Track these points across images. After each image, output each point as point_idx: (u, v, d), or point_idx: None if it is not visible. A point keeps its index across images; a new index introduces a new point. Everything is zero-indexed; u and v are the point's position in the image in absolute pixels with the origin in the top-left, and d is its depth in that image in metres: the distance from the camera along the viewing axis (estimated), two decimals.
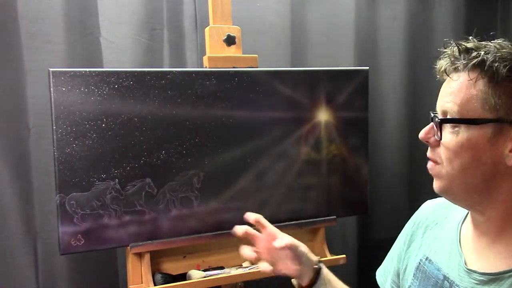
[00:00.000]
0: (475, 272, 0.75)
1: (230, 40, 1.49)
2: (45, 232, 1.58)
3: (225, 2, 1.49)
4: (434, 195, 0.91)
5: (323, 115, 1.55)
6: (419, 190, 2.07)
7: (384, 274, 1.00)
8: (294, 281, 0.96)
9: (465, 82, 0.71)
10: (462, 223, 0.84)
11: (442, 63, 0.75)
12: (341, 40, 1.99)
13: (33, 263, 1.57)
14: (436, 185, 0.77)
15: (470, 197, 0.74)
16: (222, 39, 1.48)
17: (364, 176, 1.63)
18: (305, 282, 0.93)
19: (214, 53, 1.47)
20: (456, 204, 0.79)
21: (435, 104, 0.77)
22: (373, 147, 1.92)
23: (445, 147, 0.73)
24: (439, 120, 0.73)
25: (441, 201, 0.93)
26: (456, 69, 0.73)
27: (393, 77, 2.09)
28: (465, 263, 0.77)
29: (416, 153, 2.04)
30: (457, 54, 0.73)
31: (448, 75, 0.74)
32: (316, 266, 0.94)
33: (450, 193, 0.76)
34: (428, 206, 0.95)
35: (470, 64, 0.71)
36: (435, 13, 2.15)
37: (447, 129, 0.73)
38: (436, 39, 2.12)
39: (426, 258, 0.86)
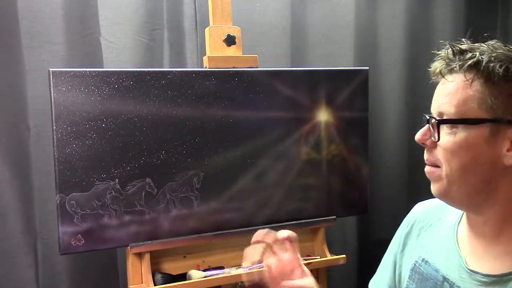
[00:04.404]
0: (477, 273, 0.74)
1: (230, 40, 1.49)
2: (45, 232, 1.58)
3: (225, 2, 1.49)
4: (433, 195, 0.92)
5: (323, 115, 1.55)
6: (419, 190, 2.06)
7: (377, 281, 0.98)
8: None
9: (461, 83, 0.71)
10: (458, 224, 0.83)
11: (437, 65, 0.75)
12: (341, 40, 1.99)
13: (33, 263, 1.57)
14: (435, 188, 0.76)
15: (468, 199, 0.74)
16: (222, 39, 1.48)
17: (364, 176, 1.63)
18: None
19: (214, 53, 1.47)
20: (454, 207, 0.79)
21: None
22: (373, 147, 1.92)
23: (443, 148, 0.73)
24: (436, 121, 0.73)
25: (433, 202, 0.93)
26: (451, 71, 0.73)
27: (393, 77, 2.09)
28: (466, 264, 0.77)
29: (416, 153, 2.04)
30: (451, 55, 0.73)
31: (443, 77, 0.74)
32: None
33: (449, 196, 0.75)
34: (420, 208, 0.95)
35: (466, 65, 0.71)
36: (435, 13, 2.15)
37: (445, 130, 0.73)
38: (436, 39, 2.12)
39: (422, 260, 0.85)
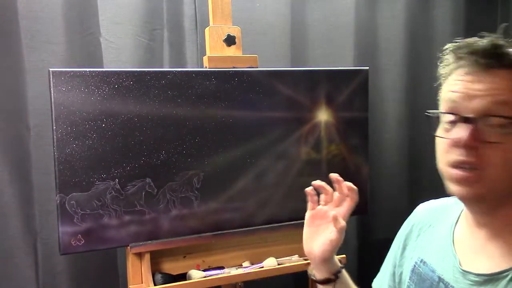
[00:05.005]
0: (470, 273, 0.74)
1: (230, 40, 1.49)
2: (45, 232, 1.58)
3: (225, 2, 1.49)
4: (433, 195, 0.92)
5: (323, 115, 1.55)
6: (419, 190, 2.07)
7: (380, 280, 0.99)
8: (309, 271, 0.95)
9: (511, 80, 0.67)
10: (455, 224, 0.83)
11: (469, 59, 0.70)
12: (341, 40, 1.99)
13: (33, 263, 1.57)
14: (471, 192, 0.70)
15: (498, 202, 0.72)
16: (222, 39, 1.48)
17: (364, 176, 1.63)
18: (320, 276, 0.92)
19: (214, 53, 1.47)
20: (476, 209, 0.75)
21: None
22: (373, 147, 1.92)
23: (503, 150, 0.67)
24: (510, 120, 0.66)
25: (434, 204, 0.93)
26: (491, 67, 0.68)
27: (393, 77, 2.09)
28: (460, 264, 0.77)
29: (416, 153, 2.04)
30: (491, 50, 0.69)
31: (478, 73, 0.69)
32: (340, 266, 0.92)
33: (482, 200, 0.72)
34: (421, 209, 0.94)
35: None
36: (435, 13, 2.15)
37: (498, 130, 0.67)
38: (436, 39, 2.12)
39: (421, 260, 0.86)
